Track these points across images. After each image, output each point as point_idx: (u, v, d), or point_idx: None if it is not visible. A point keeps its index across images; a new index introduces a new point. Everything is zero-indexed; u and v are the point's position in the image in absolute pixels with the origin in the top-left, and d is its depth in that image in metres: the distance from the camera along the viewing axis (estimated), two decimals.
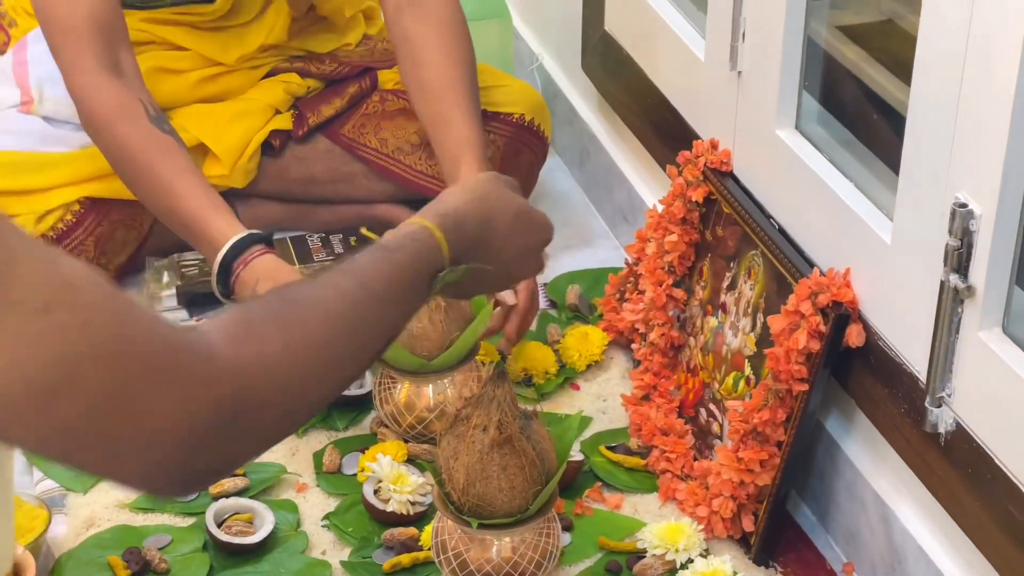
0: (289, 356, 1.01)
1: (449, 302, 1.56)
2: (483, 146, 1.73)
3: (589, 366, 1.75)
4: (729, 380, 1.53)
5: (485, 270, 1.26)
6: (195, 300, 1.90)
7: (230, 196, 1.91)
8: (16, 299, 0.86)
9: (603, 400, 1.71)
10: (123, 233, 1.90)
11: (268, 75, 2.01)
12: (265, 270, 1.57)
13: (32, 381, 0.86)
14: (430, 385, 1.60)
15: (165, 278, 1.92)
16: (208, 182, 1.69)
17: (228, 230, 1.60)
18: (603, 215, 2.11)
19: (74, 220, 1.85)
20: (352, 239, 2.00)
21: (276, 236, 1.94)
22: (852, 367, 1.41)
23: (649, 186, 1.92)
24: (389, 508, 1.51)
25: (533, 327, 1.74)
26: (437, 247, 1.20)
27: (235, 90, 1.99)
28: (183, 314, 1.89)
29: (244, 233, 1.60)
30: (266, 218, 2.00)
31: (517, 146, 1.99)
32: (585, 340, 1.75)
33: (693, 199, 1.60)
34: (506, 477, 1.35)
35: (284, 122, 1.98)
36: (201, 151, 1.92)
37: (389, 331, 1.16)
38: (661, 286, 1.63)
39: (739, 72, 1.55)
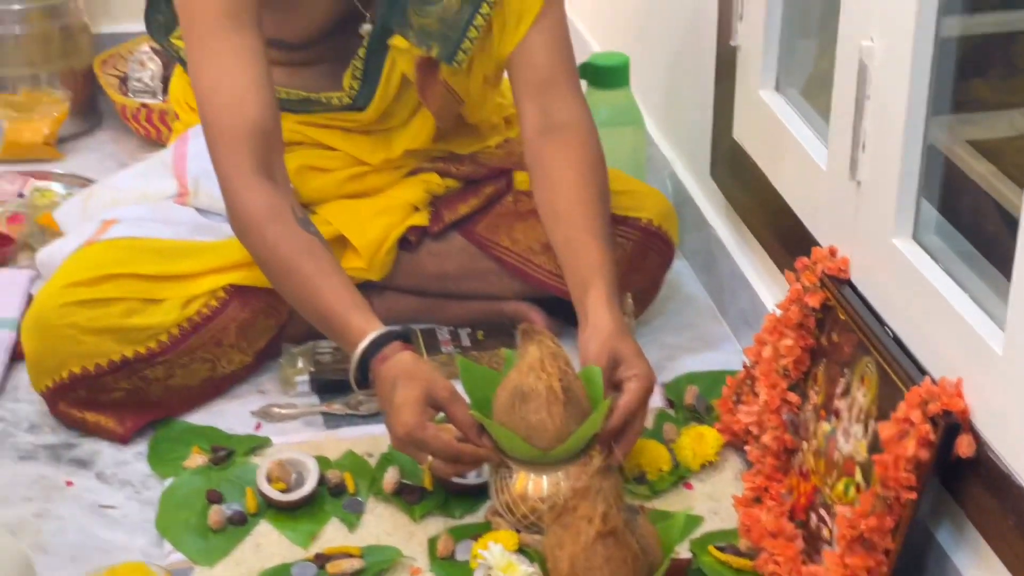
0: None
1: (568, 396, 1.57)
2: (612, 271, 1.75)
3: (703, 466, 1.74)
4: (840, 486, 1.52)
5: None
6: (327, 387, 1.93)
7: (366, 288, 1.95)
8: None
9: (715, 500, 1.70)
10: (264, 320, 1.95)
11: (410, 174, 2.07)
12: (403, 366, 1.61)
13: None
14: (545, 476, 1.60)
15: (299, 364, 1.96)
16: (349, 280, 1.74)
17: (367, 326, 1.65)
18: (727, 319, 2.11)
19: (218, 306, 1.90)
20: (479, 333, 2.02)
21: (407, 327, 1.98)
22: (962, 477, 1.38)
23: (771, 291, 1.92)
24: None
25: (649, 425, 1.73)
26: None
27: (378, 188, 2.05)
28: (315, 399, 1.92)
29: (383, 330, 1.64)
30: (400, 311, 2.05)
31: (644, 249, 2.01)
32: (700, 440, 1.74)
33: (810, 305, 1.60)
34: (609, 569, 1.35)
35: (421, 219, 2.03)
36: (341, 244, 1.97)
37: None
38: (775, 389, 1.62)
39: (859, 181, 1.55)
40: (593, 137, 1.89)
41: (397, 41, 1.90)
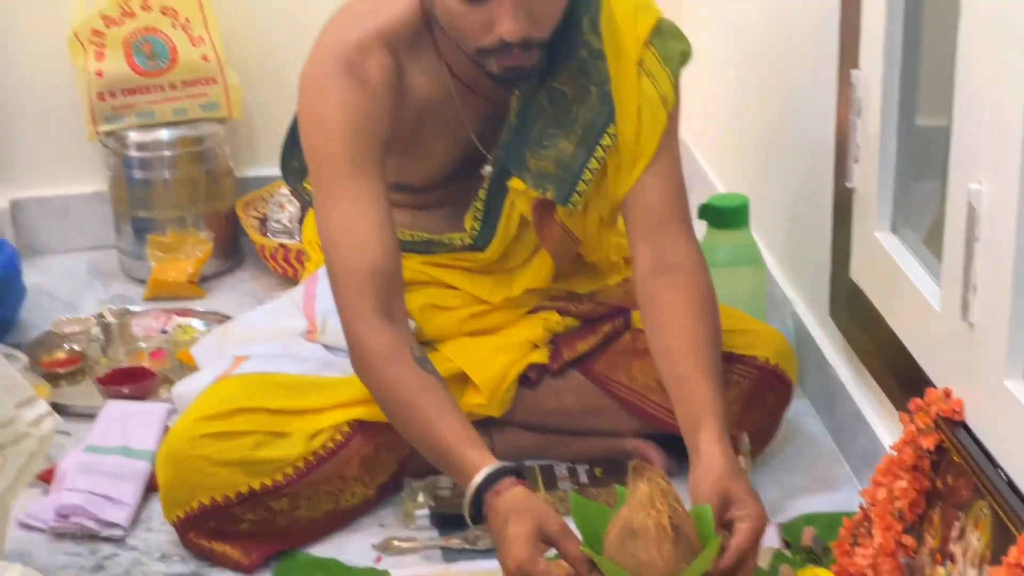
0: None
1: (678, 534, 1.55)
2: (723, 410, 1.75)
3: None
4: None
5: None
6: (446, 521, 1.93)
7: (486, 424, 1.98)
8: None
9: None
10: (386, 454, 1.97)
11: (529, 312, 2.08)
12: (515, 501, 1.61)
13: None
14: None
15: (420, 498, 1.97)
16: (464, 417, 1.75)
17: (481, 462, 1.65)
18: (848, 459, 2.07)
19: (343, 440, 1.93)
20: (597, 470, 2.02)
21: (525, 463, 1.99)
22: None
23: (890, 431, 1.88)
24: None
25: (764, 565, 1.71)
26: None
27: (498, 326, 2.07)
28: (434, 533, 1.93)
29: (497, 466, 1.64)
30: (519, 446, 2.06)
31: (762, 388, 2.00)
32: None
33: (924, 447, 1.57)
34: None
35: (541, 356, 2.04)
36: (463, 381, 1.99)
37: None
38: (890, 532, 1.59)
39: (971, 323, 1.53)
40: (705, 278, 1.89)
41: (515, 183, 1.94)
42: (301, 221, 2.65)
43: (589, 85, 1.89)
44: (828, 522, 1.85)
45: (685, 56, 1.93)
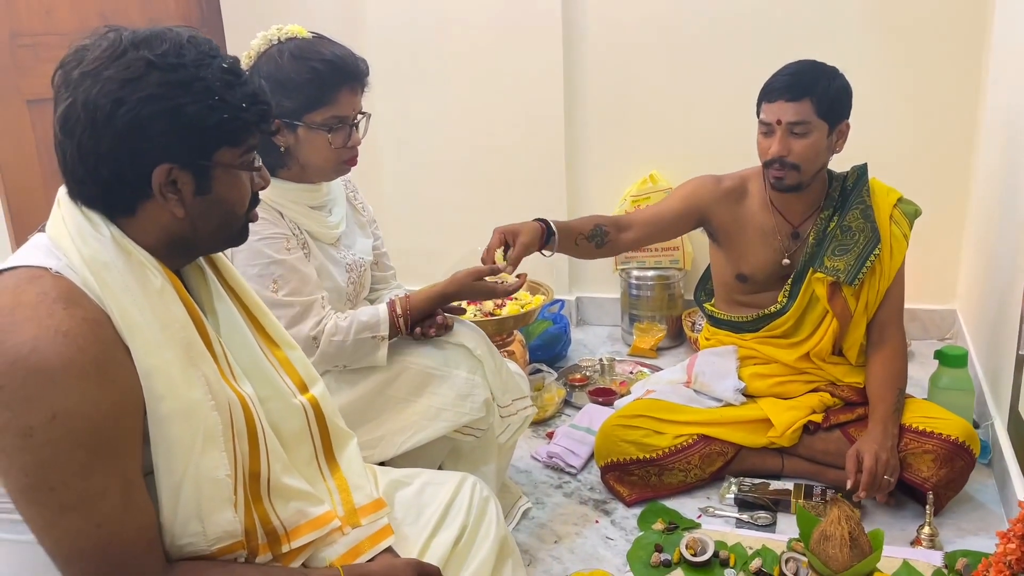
0: None
1: (853, 542, 1.35)
2: (887, 414, 1.69)
3: None
4: None
5: None
6: (743, 504, 1.80)
7: (780, 451, 1.83)
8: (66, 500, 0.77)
9: None
10: (717, 456, 1.86)
11: (813, 391, 1.90)
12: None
13: (63, 552, 0.79)
14: None
15: (731, 487, 1.85)
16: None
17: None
18: (1005, 523, 1.69)
19: (691, 443, 1.85)
20: (839, 494, 1.78)
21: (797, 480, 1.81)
22: None
23: None
24: None
25: (927, 575, 1.43)
26: None
27: (793, 393, 1.91)
28: (735, 509, 1.79)
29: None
30: (798, 469, 1.87)
31: (951, 456, 1.69)
32: None
33: None
34: None
35: (818, 418, 1.86)
36: (767, 423, 1.85)
37: None
38: (1001, 574, 1.28)
39: None
40: (901, 355, 1.82)
41: (816, 274, 1.84)
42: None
43: (866, 223, 1.79)
44: (976, 558, 1.54)
45: (917, 213, 1.84)
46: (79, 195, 0.87)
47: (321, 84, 1.38)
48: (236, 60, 0.89)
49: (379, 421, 1.51)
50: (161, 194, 0.85)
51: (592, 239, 1.81)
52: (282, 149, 1.42)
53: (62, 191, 0.88)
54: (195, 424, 0.85)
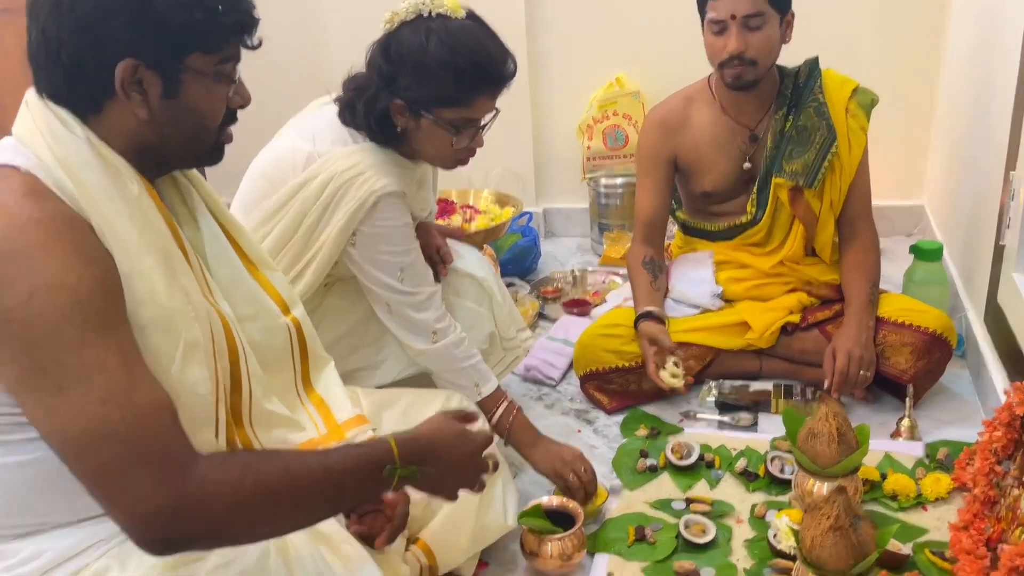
0: (237, 489, 0.76)
1: (841, 438, 1.35)
2: (863, 305, 1.69)
3: (937, 499, 1.45)
4: (1018, 532, 1.19)
5: (431, 473, 0.92)
6: (725, 406, 1.81)
7: (758, 353, 1.82)
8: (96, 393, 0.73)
9: (939, 521, 1.41)
10: (694, 363, 1.82)
11: (790, 291, 1.88)
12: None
13: (71, 439, 0.73)
14: (825, 483, 1.41)
15: (712, 389, 1.85)
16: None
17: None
18: (983, 412, 1.72)
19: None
20: (818, 393, 1.79)
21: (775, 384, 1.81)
22: None
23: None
24: (779, 547, 1.35)
25: (909, 466, 1.45)
26: (390, 450, 0.88)
27: (770, 296, 1.89)
28: (715, 412, 1.79)
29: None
30: (775, 370, 1.87)
31: (929, 347, 1.71)
32: (938, 483, 1.46)
33: (1017, 413, 1.27)
34: (835, 551, 1.15)
35: (795, 318, 1.85)
36: (744, 326, 1.83)
37: (333, 501, 0.83)
38: (987, 462, 1.31)
39: None
40: (874, 249, 1.80)
41: (777, 180, 1.80)
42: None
43: (821, 120, 1.74)
44: (957, 448, 1.57)
45: (874, 102, 1.79)
46: (45, 86, 0.85)
47: (462, 85, 1.28)
48: None
49: (379, 344, 1.48)
50: (124, 91, 0.83)
51: (657, 278, 1.85)
52: (399, 129, 1.33)
53: (30, 92, 0.86)
54: (175, 334, 0.83)
